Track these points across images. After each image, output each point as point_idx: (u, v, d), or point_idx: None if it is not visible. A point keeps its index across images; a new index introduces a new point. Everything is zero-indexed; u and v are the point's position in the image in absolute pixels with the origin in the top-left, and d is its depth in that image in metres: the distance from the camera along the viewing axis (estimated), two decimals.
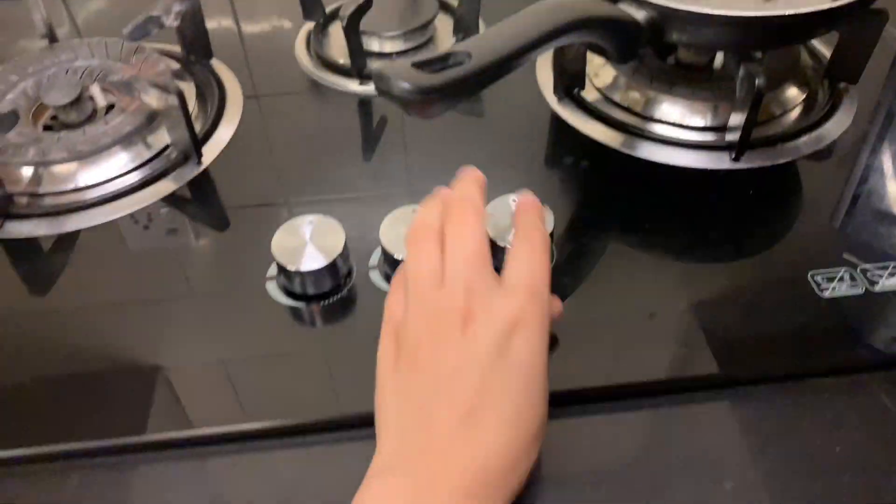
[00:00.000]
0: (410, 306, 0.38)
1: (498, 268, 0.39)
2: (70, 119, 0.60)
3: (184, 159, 0.59)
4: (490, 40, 0.43)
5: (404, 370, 0.37)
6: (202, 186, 0.58)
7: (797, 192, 0.57)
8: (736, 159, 0.57)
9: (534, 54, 0.44)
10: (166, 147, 0.60)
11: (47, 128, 0.61)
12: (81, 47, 0.66)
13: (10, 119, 0.56)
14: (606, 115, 0.62)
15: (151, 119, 0.59)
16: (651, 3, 0.52)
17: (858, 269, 0.49)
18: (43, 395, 0.45)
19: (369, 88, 0.67)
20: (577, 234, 0.53)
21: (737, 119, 0.56)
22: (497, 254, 0.44)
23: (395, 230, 0.48)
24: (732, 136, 0.57)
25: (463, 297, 0.37)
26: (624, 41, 0.52)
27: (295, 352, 0.46)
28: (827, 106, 0.62)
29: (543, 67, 0.67)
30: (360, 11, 0.64)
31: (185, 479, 0.41)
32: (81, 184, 0.56)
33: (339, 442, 0.42)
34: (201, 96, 0.66)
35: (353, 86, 0.68)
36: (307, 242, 0.47)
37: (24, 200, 0.56)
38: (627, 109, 0.62)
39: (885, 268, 0.49)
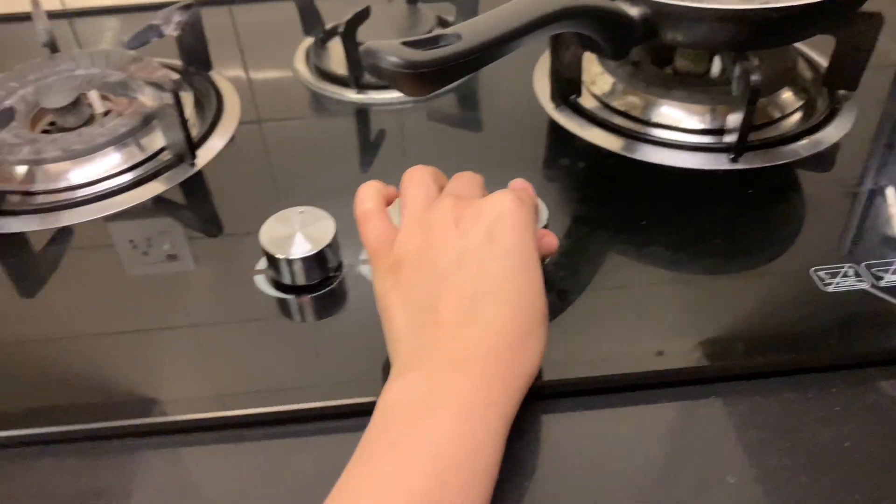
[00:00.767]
0: (405, 226, 0.41)
1: None
2: (67, 123, 0.61)
3: (178, 161, 0.58)
4: (480, 23, 0.43)
5: (407, 280, 0.38)
6: (195, 188, 0.57)
7: (797, 192, 0.56)
8: (735, 159, 0.56)
9: (525, 40, 0.44)
10: (161, 150, 0.59)
11: (45, 132, 0.61)
12: (82, 57, 0.66)
13: (6, 116, 0.56)
14: (605, 120, 0.62)
15: (147, 121, 0.59)
16: (645, 0, 0.52)
17: (863, 265, 0.48)
18: (19, 381, 0.43)
19: (367, 97, 0.67)
20: (578, 234, 0.52)
21: (735, 120, 0.55)
22: None
23: None
24: (731, 138, 0.56)
25: (452, 203, 0.40)
26: (617, 36, 0.51)
27: (282, 344, 0.45)
28: (826, 112, 0.62)
29: (540, 76, 0.67)
30: (358, 19, 0.64)
31: (160, 466, 0.39)
32: (74, 182, 0.56)
33: (323, 433, 0.41)
34: (199, 105, 0.66)
35: (352, 95, 0.68)
36: (297, 231, 0.46)
37: (16, 198, 0.56)
38: (625, 114, 0.62)
39: (890, 264, 0.48)
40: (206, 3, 0.86)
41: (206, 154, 0.60)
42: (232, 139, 0.62)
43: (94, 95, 0.63)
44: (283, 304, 0.47)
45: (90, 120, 0.62)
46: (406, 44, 0.40)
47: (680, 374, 0.42)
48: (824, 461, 0.39)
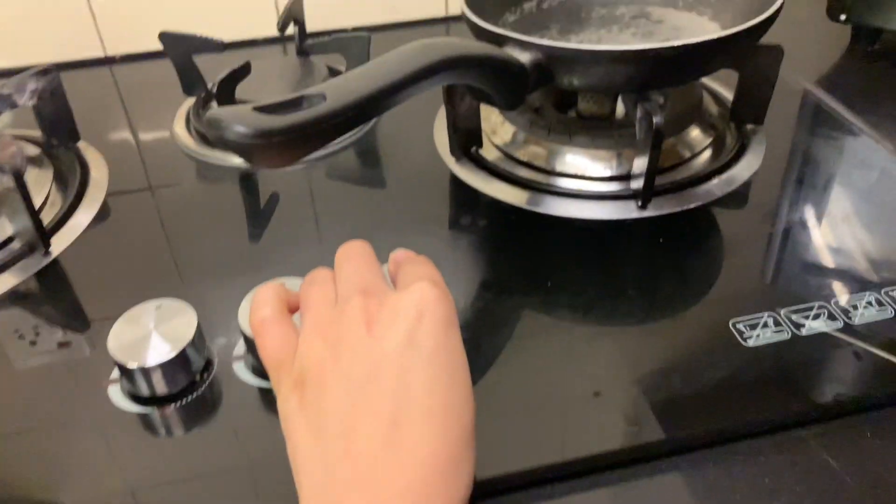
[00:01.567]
0: (305, 332, 0.34)
1: None
2: None
3: (30, 250, 0.52)
4: (349, 81, 0.38)
5: (312, 401, 0.32)
6: (50, 279, 0.51)
7: (711, 236, 0.53)
8: (643, 207, 0.53)
9: (402, 96, 0.40)
10: (10, 238, 0.52)
11: None
12: None
13: None
14: (508, 172, 0.58)
15: None
16: (536, 45, 0.49)
17: (782, 312, 0.45)
18: None
19: None
20: (485, 299, 0.47)
21: (640, 164, 0.52)
22: None
23: None
24: (638, 184, 0.53)
25: (360, 301, 0.34)
26: (508, 85, 0.48)
27: (145, 467, 0.38)
28: (735, 148, 0.59)
29: (440, 126, 0.63)
30: (235, 78, 0.59)
31: None
32: None
33: None
34: (62, 181, 0.59)
35: (236, 160, 0.62)
36: (151, 331, 0.40)
37: None
38: (529, 165, 0.58)
39: (810, 309, 0.45)
40: (73, 67, 0.81)
41: (67, 236, 0.54)
42: (98, 217, 0.56)
43: None
44: (143, 418, 0.40)
45: None
46: (259, 109, 0.35)
47: (587, 463, 0.38)
48: None
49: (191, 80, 0.68)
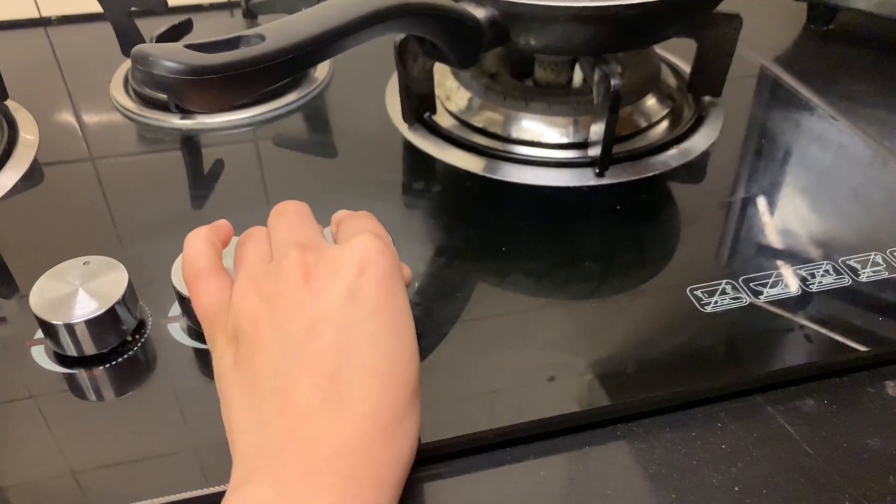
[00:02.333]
0: (239, 286, 0.32)
1: None
2: None
3: None
4: (291, 23, 0.36)
5: (246, 358, 0.30)
6: None
7: (668, 205, 0.52)
8: (600, 174, 0.51)
9: (347, 43, 0.37)
10: None
11: None
12: None
13: None
14: (463, 139, 0.56)
15: None
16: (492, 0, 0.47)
17: (740, 280, 0.44)
18: None
19: (192, 122, 0.59)
20: (436, 266, 0.45)
21: (597, 130, 0.51)
22: None
23: None
24: (595, 151, 0.51)
25: (297, 255, 0.32)
26: (462, 41, 0.46)
27: (72, 432, 0.36)
28: (693, 120, 0.58)
29: (392, 92, 0.61)
30: (174, 35, 0.56)
31: None
32: None
33: None
34: None
35: (175, 120, 0.59)
36: (78, 288, 0.37)
37: None
38: (484, 132, 0.56)
39: (769, 276, 0.44)
40: (6, 27, 0.76)
41: None
42: (26, 177, 0.52)
43: None
44: (70, 379, 0.38)
45: None
46: (191, 46, 0.32)
47: (542, 426, 0.36)
48: None
49: (129, 40, 0.64)
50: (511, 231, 0.48)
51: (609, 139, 0.49)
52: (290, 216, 0.35)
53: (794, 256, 0.46)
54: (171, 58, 0.30)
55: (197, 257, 0.34)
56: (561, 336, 0.40)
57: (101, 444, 0.35)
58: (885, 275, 0.44)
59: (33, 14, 0.79)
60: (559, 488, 0.34)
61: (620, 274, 0.45)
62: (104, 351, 0.38)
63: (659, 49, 0.66)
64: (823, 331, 0.40)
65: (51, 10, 0.79)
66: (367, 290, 0.30)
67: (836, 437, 0.36)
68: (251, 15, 0.68)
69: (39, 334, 0.39)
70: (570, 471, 0.35)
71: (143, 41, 0.64)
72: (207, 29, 0.65)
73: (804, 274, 0.44)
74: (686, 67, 0.64)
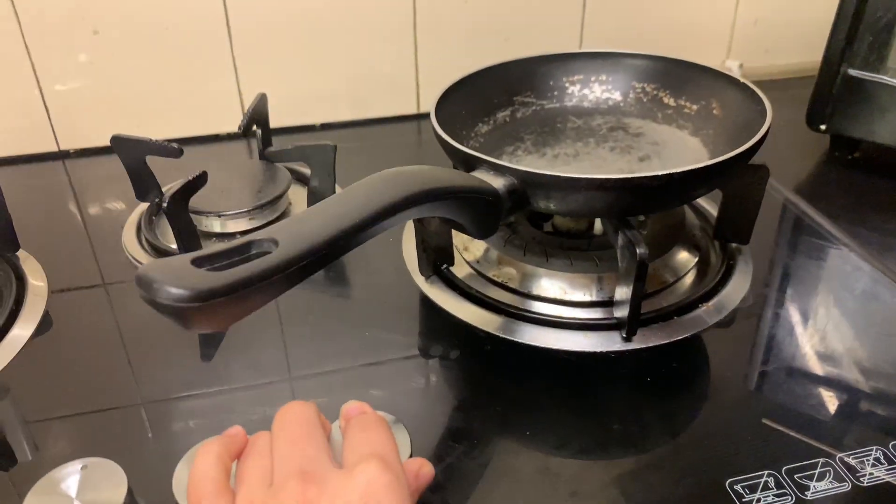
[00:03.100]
0: None
1: None
2: None
3: None
4: (305, 222, 0.34)
5: None
6: None
7: (701, 375, 0.49)
8: (627, 339, 0.49)
9: (364, 236, 0.36)
10: None
11: None
12: None
13: None
14: (480, 293, 0.54)
15: None
16: (511, 169, 0.45)
17: (783, 471, 0.40)
18: None
19: None
20: (461, 456, 0.42)
21: (623, 293, 0.48)
22: None
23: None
24: (621, 312, 0.49)
25: (298, 488, 0.30)
26: (482, 214, 0.44)
27: None
28: (721, 269, 0.56)
29: (409, 240, 0.59)
30: (190, 189, 0.55)
31: None
32: None
33: None
34: None
35: None
36: (73, 501, 0.35)
37: None
38: (503, 286, 0.54)
39: (814, 467, 0.41)
40: (26, 161, 0.77)
41: None
42: (29, 342, 0.51)
43: None
44: None
45: None
46: (198, 261, 0.31)
47: None
48: None
49: (144, 186, 0.64)
50: (534, 407, 0.46)
51: (636, 307, 0.47)
52: (294, 428, 0.34)
53: (838, 441, 0.42)
54: (177, 283, 0.29)
55: (203, 479, 0.32)
56: None
57: None
58: None
59: (52, 148, 0.79)
60: None
61: (653, 465, 0.42)
62: None
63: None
64: None
65: (69, 143, 0.80)
66: None
67: None
68: (267, 159, 0.67)
69: None
70: None
71: (158, 186, 0.64)
72: (223, 175, 0.64)
73: (852, 462, 0.41)
74: (711, 209, 0.62)
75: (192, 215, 0.56)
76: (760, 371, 0.48)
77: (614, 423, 0.44)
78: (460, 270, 0.56)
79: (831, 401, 0.46)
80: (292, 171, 0.67)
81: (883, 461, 0.41)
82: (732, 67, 0.91)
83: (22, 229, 0.59)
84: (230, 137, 0.83)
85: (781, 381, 0.47)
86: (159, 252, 0.60)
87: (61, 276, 0.58)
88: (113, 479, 0.36)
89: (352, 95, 0.84)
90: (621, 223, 0.48)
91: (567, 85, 0.65)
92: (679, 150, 0.58)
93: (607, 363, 0.49)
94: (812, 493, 0.39)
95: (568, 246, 0.55)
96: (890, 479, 0.40)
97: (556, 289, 0.52)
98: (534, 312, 0.52)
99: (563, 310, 0.52)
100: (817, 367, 0.49)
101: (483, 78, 0.61)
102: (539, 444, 0.43)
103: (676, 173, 0.44)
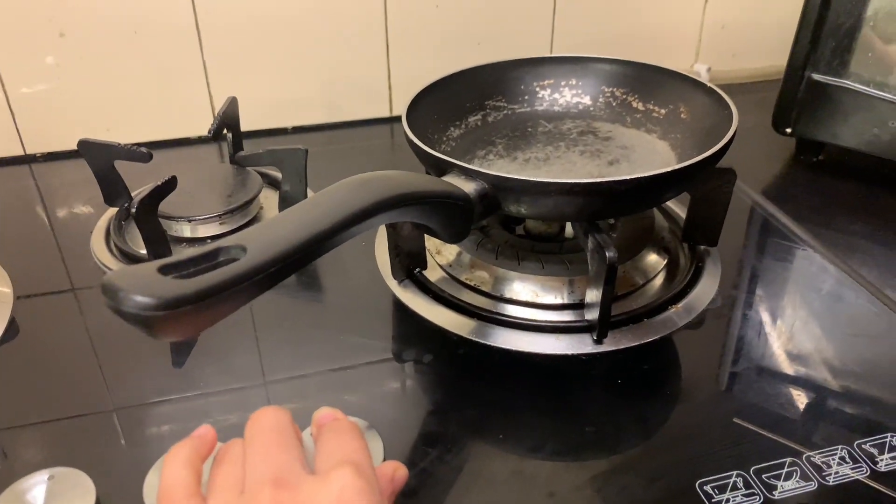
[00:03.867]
0: None
1: None
2: None
3: None
4: (274, 228, 0.34)
5: None
6: None
7: (672, 376, 0.50)
8: (598, 342, 0.49)
9: (334, 242, 0.36)
10: None
11: None
12: None
13: None
14: (453, 297, 0.54)
15: None
16: (482, 174, 0.46)
17: (751, 471, 0.41)
18: None
19: None
20: (435, 462, 0.42)
21: (593, 295, 0.49)
22: None
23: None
24: (592, 315, 0.50)
25: (271, 495, 0.29)
26: (453, 218, 0.44)
27: None
28: (690, 271, 0.57)
29: (382, 243, 0.59)
30: (159, 194, 0.54)
31: None
32: None
33: None
34: None
35: None
36: None
37: None
38: (475, 289, 0.54)
39: (781, 466, 0.41)
40: None
41: None
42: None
43: None
44: None
45: None
46: (165, 269, 0.30)
47: None
48: None
49: (113, 190, 0.63)
50: (508, 410, 0.46)
51: (606, 309, 0.48)
52: (267, 434, 0.33)
53: (806, 440, 0.43)
54: (142, 291, 0.28)
55: (174, 488, 0.31)
56: None
57: None
58: None
59: (18, 152, 0.78)
60: None
61: (626, 466, 0.42)
62: None
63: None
64: None
65: (36, 147, 0.78)
66: None
67: None
68: (238, 163, 0.67)
69: None
70: None
71: (127, 191, 0.63)
72: (193, 180, 0.63)
73: (819, 462, 0.42)
74: (680, 212, 0.63)
75: (161, 220, 0.56)
76: (731, 372, 0.49)
77: (587, 426, 0.45)
78: (433, 274, 0.56)
79: (799, 400, 0.47)
80: (263, 175, 0.67)
81: (848, 460, 0.42)
82: (701, 71, 0.92)
83: None
84: (200, 141, 0.82)
85: (751, 381, 0.48)
86: (128, 257, 0.59)
87: (28, 282, 0.57)
88: (80, 490, 0.35)
89: (324, 99, 0.84)
90: (591, 226, 0.48)
91: (538, 89, 0.65)
92: (647, 153, 0.59)
93: (579, 365, 0.49)
94: (780, 492, 0.40)
95: (540, 249, 0.55)
96: (856, 477, 0.41)
97: (528, 292, 0.52)
98: (506, 316, 0.52)
99: (536, 313, 0.52)
100: (785, 367, 0.49)
101: (455, 82, 0.62)
102: (513, 447, 0.43)
103: (644, 178, 0.45)
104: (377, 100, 0.86)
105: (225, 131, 0.67)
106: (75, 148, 0.61)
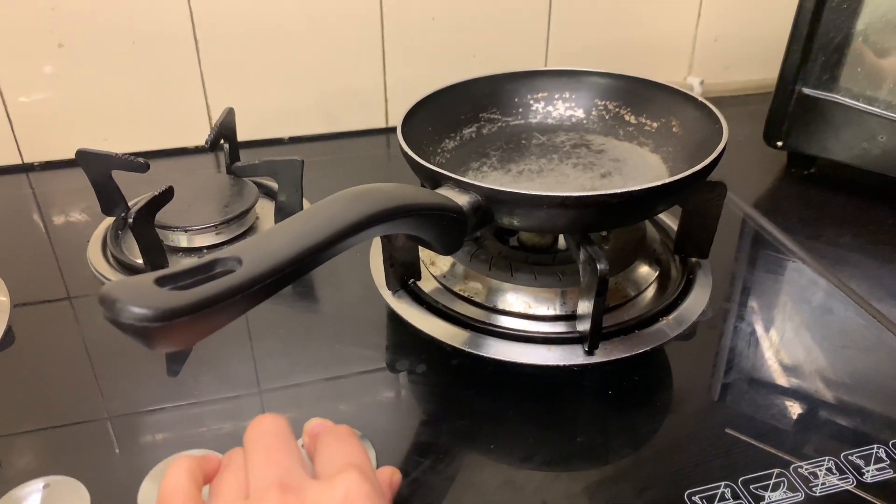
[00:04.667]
0: None
1: None
2: None
3: None
4: (270, 241, 0.35)
5: None
6: None
7: (663, 387, 0.50)
8: (590, 353, 0.50)
9: (329, 254, 0.36)
10: None
11: None
12: None
13: None
14: (446, 308, 0.54)
15: None
16: (475, 186, 0.46)
17: (740, 482, 0.41)
18: None
19: None
20: (427, 471, 0.43)
21: (585, 307, 0.49)
22: None
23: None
24: (583, 326, 0.50)
25: (278, 495, 0.30)
26: (447, 230, 0.45)
27: None
28: (682, 283, 0.57)
29: (376, 254, 0.60)
30: (156, 204, 0.55)
31: None
32: None
33: None
34: None
35: None
36: None
37: None
38: (469, 300, 0.55)
39: (769, 477, 0.42)
40: None
41: None
42: None
43: None
44: None
45: None
46: (161, 280, 0.31)
47: None
48: None
49: (110, 200, 0.64)
50: (500, 420, 0.46)
51: (598, 321, 0.48)
52: (268, 440, 0.33)
53: (794, 450, 0.44)
54: (139, 302, 0.29)
55: (175, 492, 0.32)
56: None
57: None
58: (891, 473, 0.42)
59: (16, 160, 0.79)
60: None
61: (617, 477, 0.42)
62: None
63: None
64: None
65: (33, 156, 0.79)
66: None
67: None
68: (235, 173, 0.67)
69: None
70: None
71: (124, 200, 0.64)
72: (190, 189, 0.64)
73: (806, 472, 0.42)
74: (672, 224, 0.64)
75: (158, 230, 0.56)
76: (721, 383, 0.50)
77: (578, 436, 0.45)
78: (427, 285, 0.57)
79: (789, 411, 0.47)
80: (260, 186, 0.67)
81: (835, 471, 0.42)
82: (694, 84, 0.93)
83: None
84: (197, 151, 0.82)
85: (742, 392, 0.48)
86: (125, 267, 0.59)
87: (24, 290, 0.57)
88: (75, 498, 0.36)
89: (320, 109, 0.85)
90: (583, 239, 0.49)
91: (532, 102, 0.66)
92: (640, 166, 0.60)
93: (571, 376, 0.49)
94: (767, 503, 0.40)
95: (533, 261, 0.56)
96: (843, 487, 0.41)
97: (521, 303, 0.53)
98: (499, 326, 0.52)
99: (528, 324, 0.53)
100: (775, 378, 0.50)
101: (449, 94, 0.62)
102: (504, 457, 0.44)
103: (635, 191, 0.45)
104: (373, 110, 0.86)
105: (222, 141, 0.67)
106: (73, 157, 0.61)
